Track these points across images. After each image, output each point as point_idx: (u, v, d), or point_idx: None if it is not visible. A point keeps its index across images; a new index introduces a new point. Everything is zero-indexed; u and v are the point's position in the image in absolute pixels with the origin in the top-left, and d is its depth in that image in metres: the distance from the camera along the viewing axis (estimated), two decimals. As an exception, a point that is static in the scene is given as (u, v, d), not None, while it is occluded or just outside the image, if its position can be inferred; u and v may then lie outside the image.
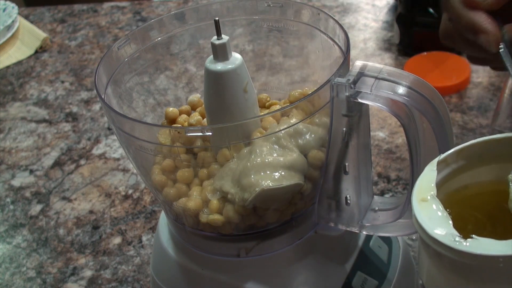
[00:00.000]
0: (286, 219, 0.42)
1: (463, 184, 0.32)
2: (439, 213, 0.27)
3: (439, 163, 0.32)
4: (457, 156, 0.32)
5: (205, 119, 0.46)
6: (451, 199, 0.31)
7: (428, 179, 0.30)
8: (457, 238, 0.25)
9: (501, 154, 0.32)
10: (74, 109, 0.91)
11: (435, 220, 0.26)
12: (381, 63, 0.58)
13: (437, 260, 0.27)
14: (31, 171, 0.79)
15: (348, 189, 0.42)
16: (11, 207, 0.73)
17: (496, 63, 0.42)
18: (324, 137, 0.41)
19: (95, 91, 0.58)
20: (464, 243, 0.25)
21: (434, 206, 0.27)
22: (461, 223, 0.27)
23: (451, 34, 0.47)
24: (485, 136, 0.33)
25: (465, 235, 0.25)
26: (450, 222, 0.26)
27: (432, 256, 0.27)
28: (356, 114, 0.39)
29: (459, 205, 0.31)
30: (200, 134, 0.40)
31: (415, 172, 0.38)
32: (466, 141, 0.34)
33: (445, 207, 0.27)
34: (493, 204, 0.32)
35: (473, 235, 0.25)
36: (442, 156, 0.32)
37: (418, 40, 0.87)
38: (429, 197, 0.28)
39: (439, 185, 0.30)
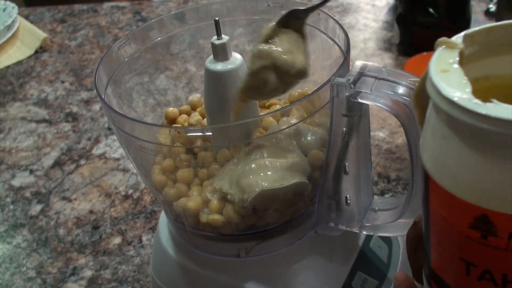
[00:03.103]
0: (286, 219, 0.42)
1: (484, 74, 0.29)
2: (459, 80, 0.24)
3: (465, 37, 0.27)
4: (487, 35, 0.28)
5: (205, 119, 0.46)
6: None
7: (451, 50, 0.26)
8: (476, 101, 0.22)
9: None
10: (74, 109, 0.91)
11: (453, 86, 0.24)
12: (381, 63, 0.58)
13: (449, 130, 0.24)
14: (31, 171, 0.79)
15: (348, 189, 0.42)
16: (11, 207, 0.73)
17: None
18: (324, 137, 0.41)
19: (95, 91, 0.58)
20: (485, 106, 0.22)
21: (455, 74, 0.25)
22: None
23: None
24: None
25: None
26: (470, 89, 0.23)
27: (444, 126, 0.24)
28: (356, 114, 0.39)
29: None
30: (200, 134, 0.40)
31: (415, 172, 0.38)
32: None
33: None
34: None
35: (494, 100, 0.22)
36: (470, 30, 0.28)
37: (418, 40, 0.87)
38: (451, 65, 0.25)
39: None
